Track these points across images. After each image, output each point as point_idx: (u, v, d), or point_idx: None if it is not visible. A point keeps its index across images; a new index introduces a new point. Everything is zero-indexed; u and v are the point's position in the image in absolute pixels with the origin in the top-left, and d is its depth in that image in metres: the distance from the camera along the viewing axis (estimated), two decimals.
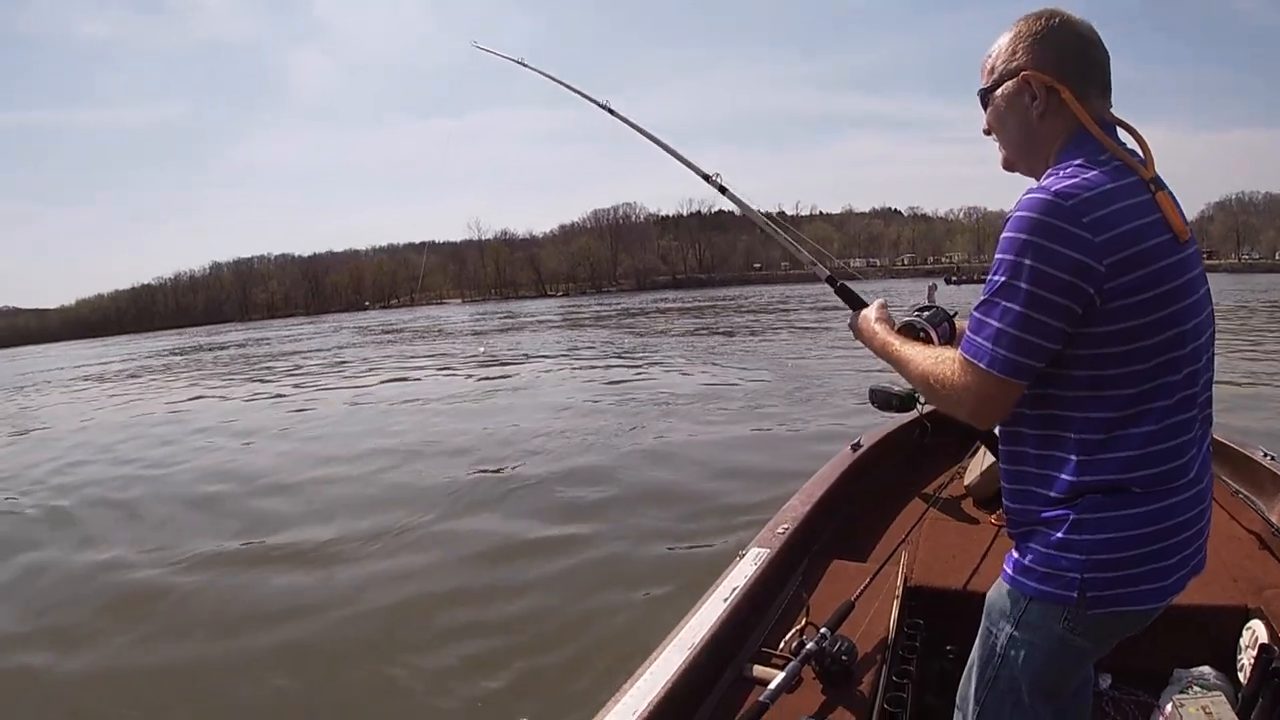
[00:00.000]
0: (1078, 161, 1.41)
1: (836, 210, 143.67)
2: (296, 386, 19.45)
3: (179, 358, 35.05)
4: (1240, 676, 2.44)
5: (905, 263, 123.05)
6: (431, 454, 9.66)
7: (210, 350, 39.64)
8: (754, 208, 2.57)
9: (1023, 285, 1.35)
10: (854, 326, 1.90)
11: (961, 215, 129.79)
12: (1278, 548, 2.89)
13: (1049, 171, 1.44)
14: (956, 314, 1.81)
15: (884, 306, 1.87)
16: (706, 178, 2.71)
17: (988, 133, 1.62)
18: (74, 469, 10.55)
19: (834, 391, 12.13)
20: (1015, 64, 1.50)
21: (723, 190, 2.70)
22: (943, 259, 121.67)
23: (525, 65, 3.25)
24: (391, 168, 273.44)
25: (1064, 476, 1.45)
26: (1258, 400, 10.51)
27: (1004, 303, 1.38)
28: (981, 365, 1.41)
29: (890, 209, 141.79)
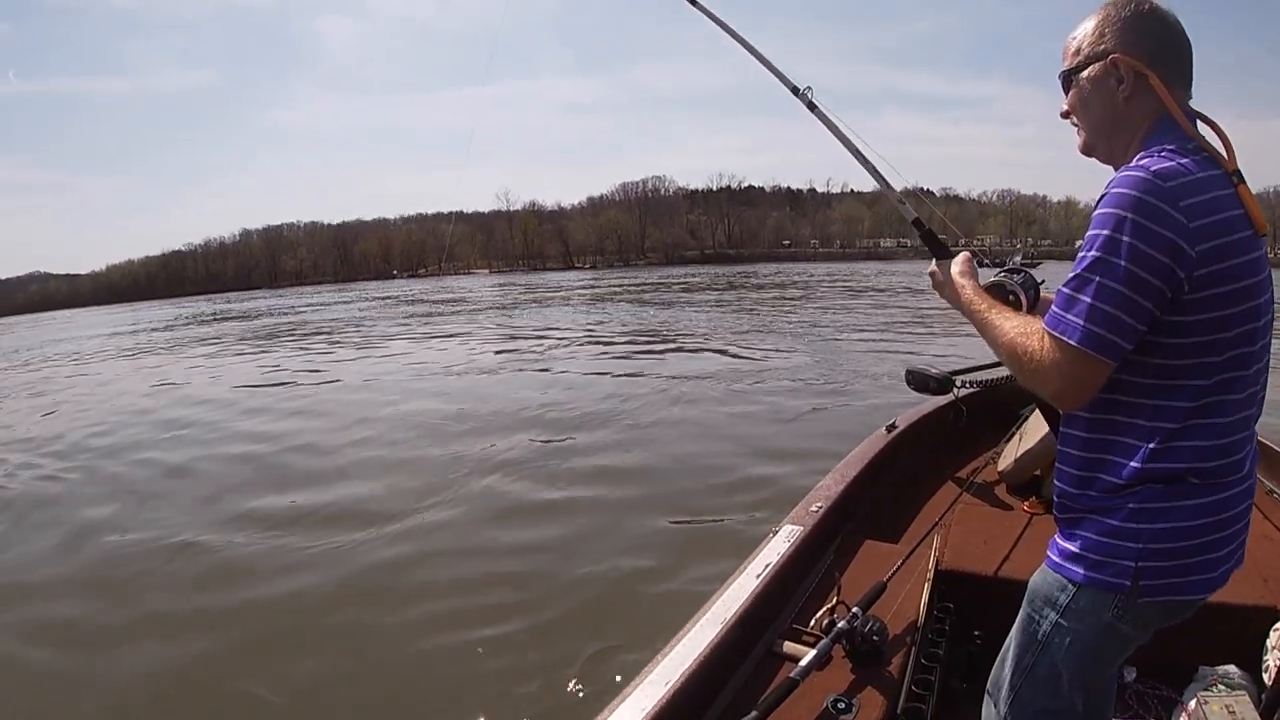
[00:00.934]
0: (1170, 148, 1.39)
1: (868, 189, 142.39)
2: (356, 347, 19.76)
3: (204, 327, 35.09)
4: (1265, 677, 2.43)
5: None
6: (467, 424, 9.74)
7: (241, 319, 39.74)
8: (843, 128, 2.36)
9: (1120, 262, 1.33)
10: (935, 275, 1.82)
11: (995, 197, 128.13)
12: None
13: (1140, 154, 1.41)
14: (1044, 283, 1.75)
15: (970, 259, 1.78)
16: (795, 90, 2.50)
17: (1066, 115, 1.60)
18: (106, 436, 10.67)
19: (867, 373, 12.09)
20: (1103, 47, 1.48)
21: (812, 106, 2.49)
22: (975, 241, 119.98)
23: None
24: (423, 135, 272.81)
25: (1132, 464, 1.44)
26: None
27: (1099, 278, 1.35)
28: (1071, 342, 1.37)
29: (924, 189, 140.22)
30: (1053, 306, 1.42)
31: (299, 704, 3.93)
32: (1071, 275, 1.38)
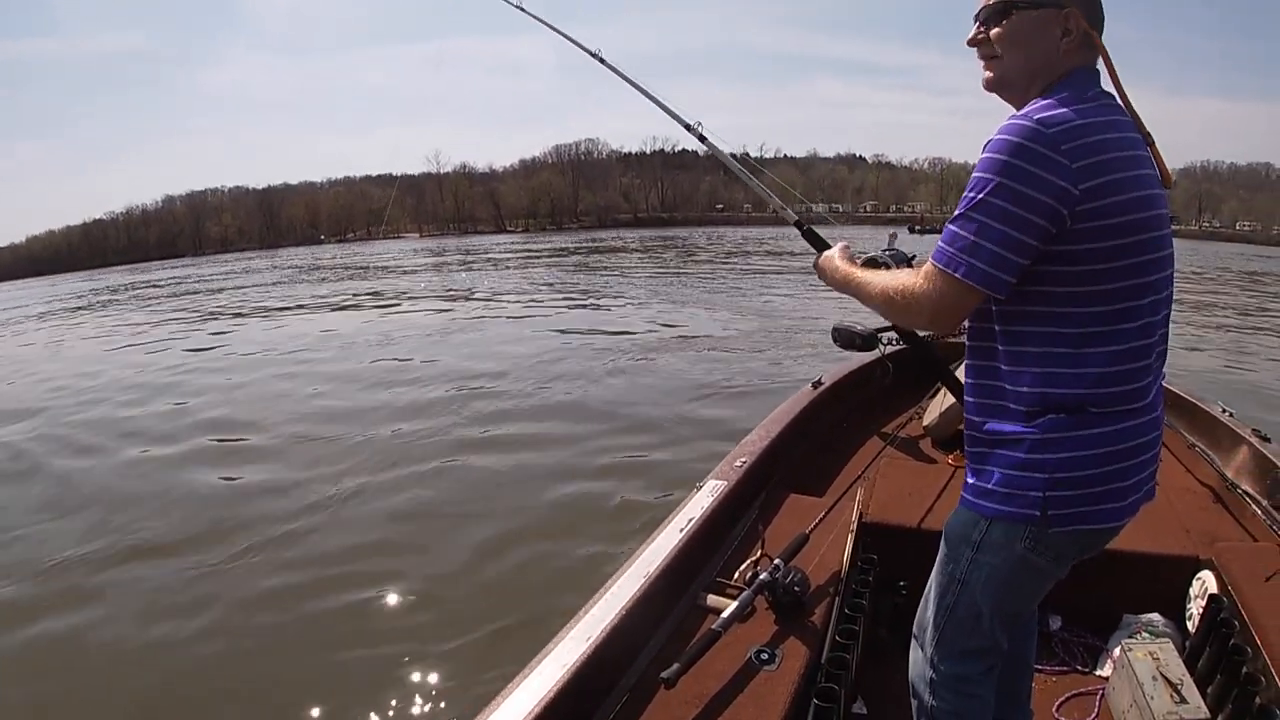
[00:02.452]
0: (1064, 94, 1.45)
1: (801, 154, 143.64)
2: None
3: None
4: (1189, 625, 2.50)
5: (868, 210, 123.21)
6: (395, 384, 9.70)
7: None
8: (731, 157, 2.71)
9: (997, 202, 1.40)
10: (818, 266, 1.95)
11: (926, 165, 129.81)
12: (1231, 502, 2.95)
13: (1033, 102, 1.46)
14: (915, 257, 1.87)
15: (847, 248, 1.93)
16: (688, 127, 2.90)
17: (978, 43, 1.59)
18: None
19: (796, 332, 12.22)
20: None
21: (703, 139, 2.89)
22: (905, 208, 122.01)
23: (524, 10, 3.33)
24: (350, 97, 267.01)
25: (1029, 392, 1.50)
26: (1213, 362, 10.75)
27: (979, 217, 1.42)
28: (954, 274, 1.46)
29: (855, 155, 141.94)
30: (938, 242, 1.50)
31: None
32: (956, 214, 1.47)
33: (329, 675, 3.76)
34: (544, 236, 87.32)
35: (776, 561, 2.27)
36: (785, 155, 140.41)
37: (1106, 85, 1.53)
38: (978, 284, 1.44)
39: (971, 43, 1.60)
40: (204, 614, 4.31)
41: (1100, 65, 1.54)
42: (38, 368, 13.23)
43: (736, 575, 2.33)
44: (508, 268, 33.69)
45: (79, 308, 27.60)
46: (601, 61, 3.11)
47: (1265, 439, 3.18)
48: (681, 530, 2.44)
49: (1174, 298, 1.57)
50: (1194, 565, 2.55)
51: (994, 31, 1.54)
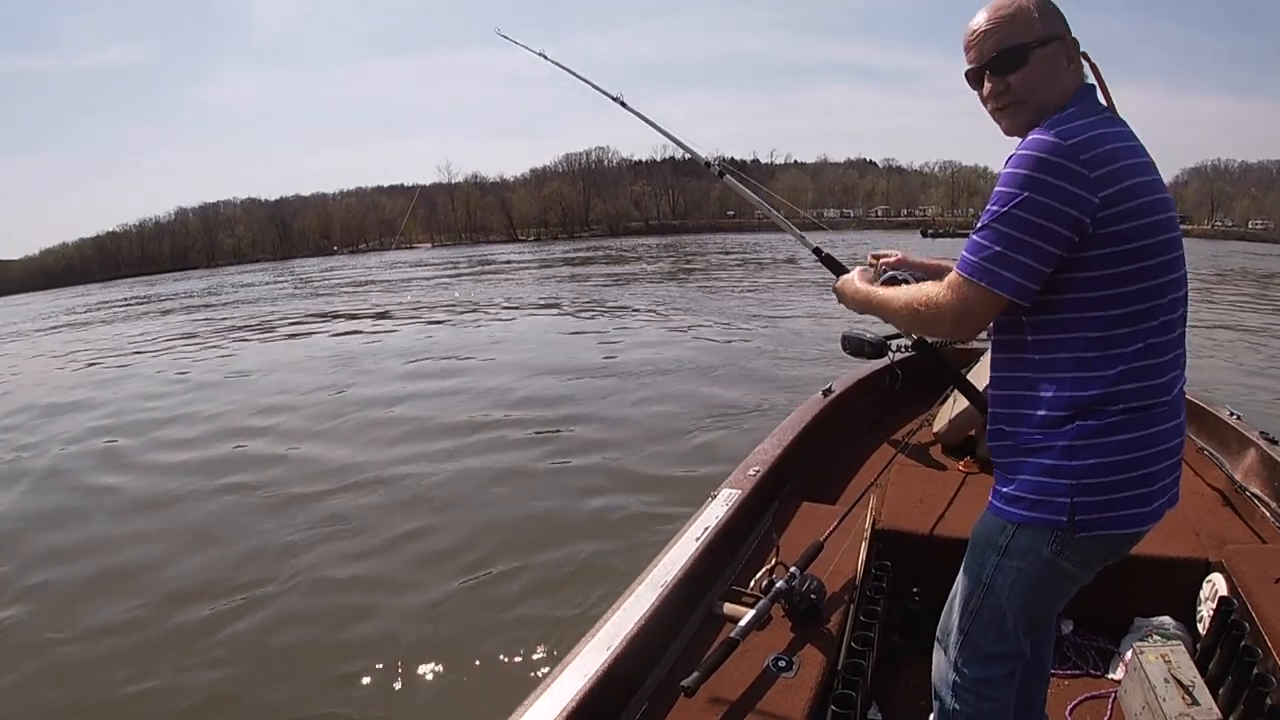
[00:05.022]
0: (1075, 109, 1.52)
1: (811, 160, 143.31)
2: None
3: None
4: (1199, 627, 2.51)
5: (879, 215, 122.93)
6: (412, 398, 9.71)
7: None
8: (754, 195, 2.82)
9: (1022, 214, 1.46)
10: (838, 290, 2.02)
11: (937, 168, 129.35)
12: (1240, 504, 2.96)
13: (1048, 120, 1.50)
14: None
15: (863, 270, 1.99)
16: (708, 165, 3.01)
17: (994, 94, 1.62)
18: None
19: (807, 340, 12.19)
20: (1054, 28, 1.57)
21: (722, 175, 2.99)
22: (917, 211, 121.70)
23: (545, 58, 3.41)
24: (361, 108, 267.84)
25: (1057, 398, 1.54)
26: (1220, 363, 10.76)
27: (1002, 227, 1.48)
28: (980, 283, 1.52)
29: (866, 160, 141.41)
30: (963, 252, 1.55)
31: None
32: (980, 225, 1.53)
33: (348, 683, 3.81)
34: (556, 245, 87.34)
35: (792, 569, 2.28)
36: (796, 161, 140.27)
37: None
38: (1006, 293, 1.50)
39: (988, 96, 1.63)
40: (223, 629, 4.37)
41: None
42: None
43: (752, 583, 2.35)
44: (521, 278, 33.61)
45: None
46: (624, 105, 3.20)
47: (1273, 441, 3.20)
48: (697, 539, 2.47)
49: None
50: (1204, 568, 2.57)
51: (1014, 77, 1.57)
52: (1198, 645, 2.47)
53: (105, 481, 7.20)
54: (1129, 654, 2.39)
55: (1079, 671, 2.58)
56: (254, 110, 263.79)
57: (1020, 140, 1.51)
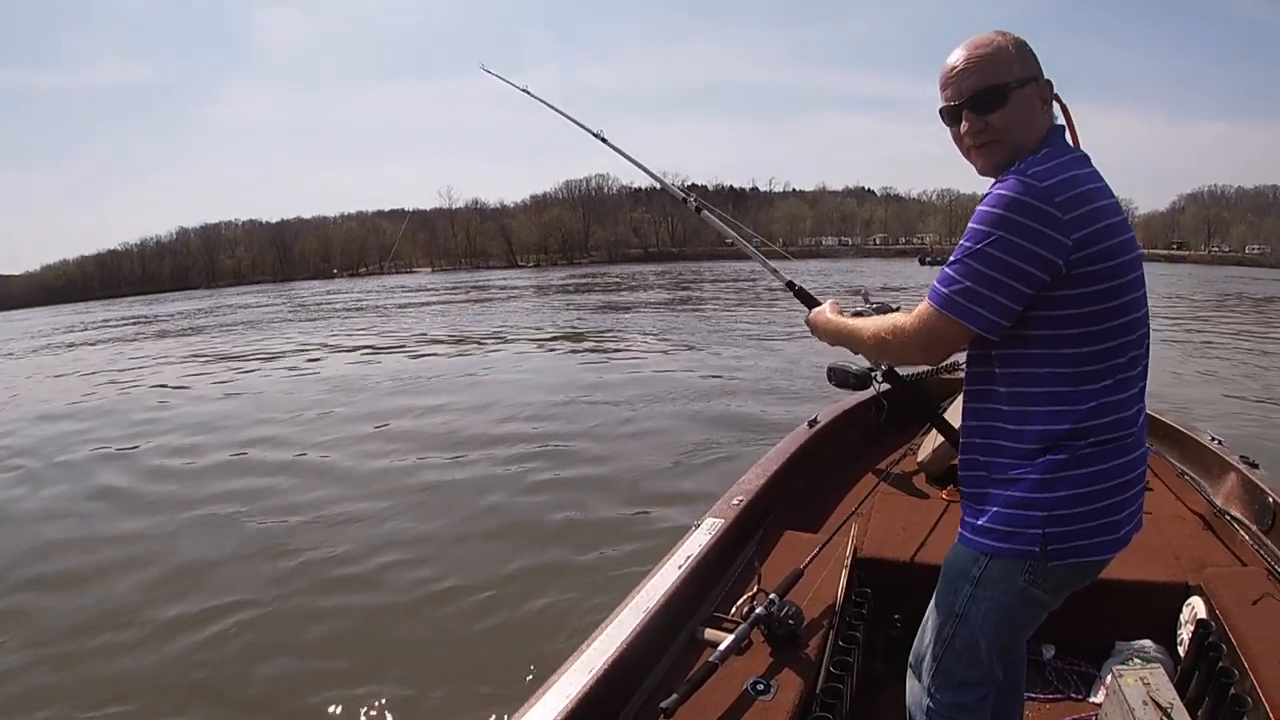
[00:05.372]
0: (1049, 150, 1.55)
1: (810, 188, 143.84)
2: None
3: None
4: (1180, 650, 2.53)
5: (877, 242, 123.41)
6: (404, 423, 9.73)
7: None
8: (732, 230, 2.96)
9: (995, 253, 1.49)
10: (810, 322, 2.09)
11: (934, 197, 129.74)
12: (1220, 528, 2.99)
13: (1024, 162, 1.53)
14: (900, 308, 1.93)
15: (834, 303, 2.07)
16: (684, 201, 3.10)
17: (971, 133, 1.63)
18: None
19: (797, 370, 12.20)
20: (1031, 70, 1.61)
21: (699, 210, 3.08)
22: (915, 239, 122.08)
23: (529, 93, 3.48)
24: (362, 131, 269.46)
25: (1032, 428, 1.57)
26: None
27: (975, 264, 1.51)
28: (947, 313, 1.56)
29: (864, 188, 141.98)
30: (934, 283, 1.59)
31: None
32: (952, 260, 1.56)
33: (325, 701, 3.84)
34: (555, 271, 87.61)
35: (772, 596, 2.32)
36: (795, 189, 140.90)
37: None
38: (974, 326, 1.55)
39: (966, 134, 1.64)
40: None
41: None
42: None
43: (734, 610, 2.38)
44: (516, 306, 33.52)
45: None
46: (604, 142, 3.27)
47: (1253, 465, 3.23)
48: (680, 567, 2.49)
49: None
50: (1184, 591, 2.59)
51: (994, 116, 1.59)
52: (1178, 668, 2.49)
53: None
54: (1109, 677, 2.40)
55: (1060, 695, 2.60)
56: (258, 131, 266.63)
57: (994, 180, 1.55)
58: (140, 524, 6.48)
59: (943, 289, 1.56)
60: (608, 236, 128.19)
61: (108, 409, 12.14)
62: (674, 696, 1.94)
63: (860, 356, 2.06)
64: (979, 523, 1.65)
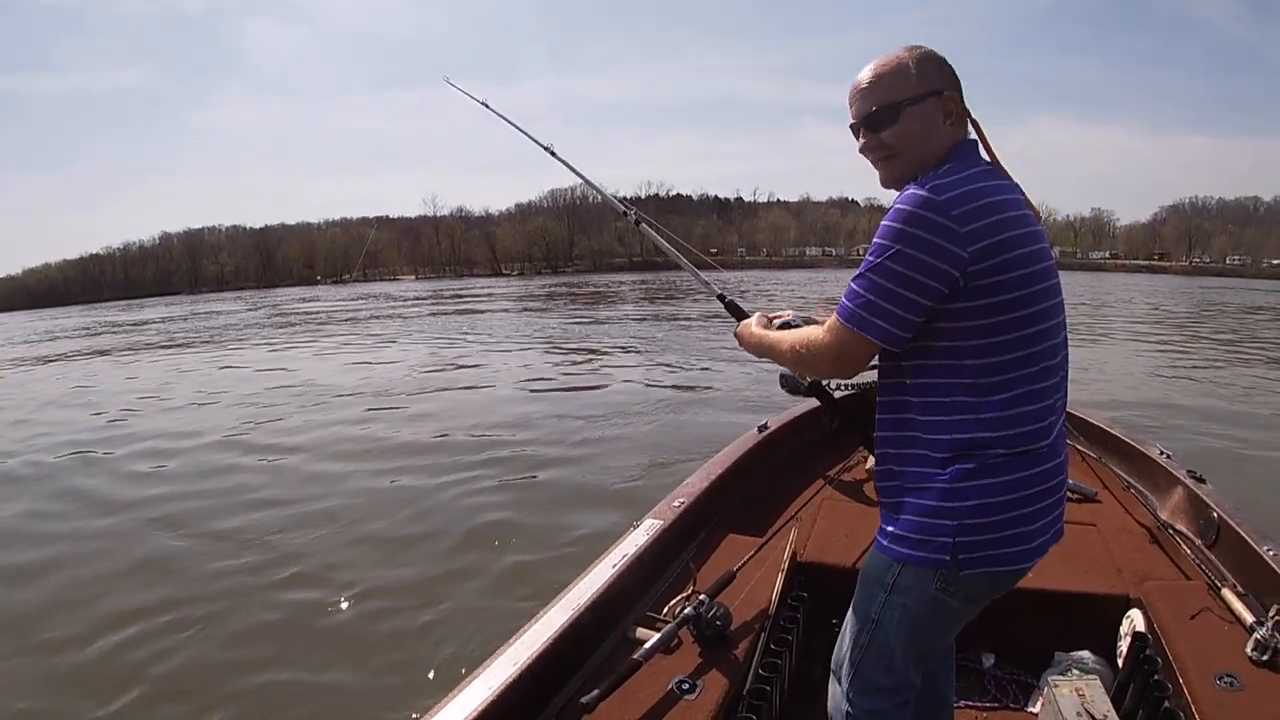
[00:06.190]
0: (952, 165, 1.57)
1: (794, 198, 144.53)
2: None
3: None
4: (1119, 662, 2.53)
5: (860, 253, 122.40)
6: (372, 428, 9.68)
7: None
8: (665, 242, 2.94)
9: (894, 266, 1.51)
10: (737, 334, 2.10)
11: None
12: (1165, 542, 2.99)
13: (924, 176, 1.55)
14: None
15: (764, 315, 2.08)
16: (624, 214, 3.16)
17: (869, 149, 1.69)
18: None
19: (761, 379, 12.14)
20: (931, 85, 1.62)
21: (638, 224, 3.14)
22: None
23: (488, 107, 3.56)
24: (348, 140, 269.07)
25: (943, 437, 1.58)
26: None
27: (875, 278, 1.54)
28: (852, 326, 1.58)
29: (848, 199, 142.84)
30: (842, 297, 1.61)
31: None
32: (857, 274, 1.59)
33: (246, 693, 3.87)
34: (537, 280, 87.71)
35: (702, 596, 2.32)
36: (779, 200, 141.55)
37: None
38: (875, 339, 1.56)
39: (864, 149, 1.69)
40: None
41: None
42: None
43: (666, 610, 2.38)
44: (494, 313, 33.39)
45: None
46: (553, 155, 3.32)
47: (1200, 480, 3.25)
48: (614, 566, 2.48)
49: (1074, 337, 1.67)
50: (1125, 604, 2.59)
51: (887, 133, 1.64)
52: (1116, 680, 2.47)
53: None
54: (1047, 687, 2.39)
55: (998, 705, 2.59)
56: (241, 139, 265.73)
57: (897, 193, 1.57)
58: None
59: (848, 303, 1.59)
60: (592, 246, 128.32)
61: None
62: (595, 692, 1.95)
63: None
64: (893, 530, 1.67)
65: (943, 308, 1.52)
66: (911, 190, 1.52)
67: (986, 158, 1.65)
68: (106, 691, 3.94)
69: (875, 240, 1.55)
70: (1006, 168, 1.65)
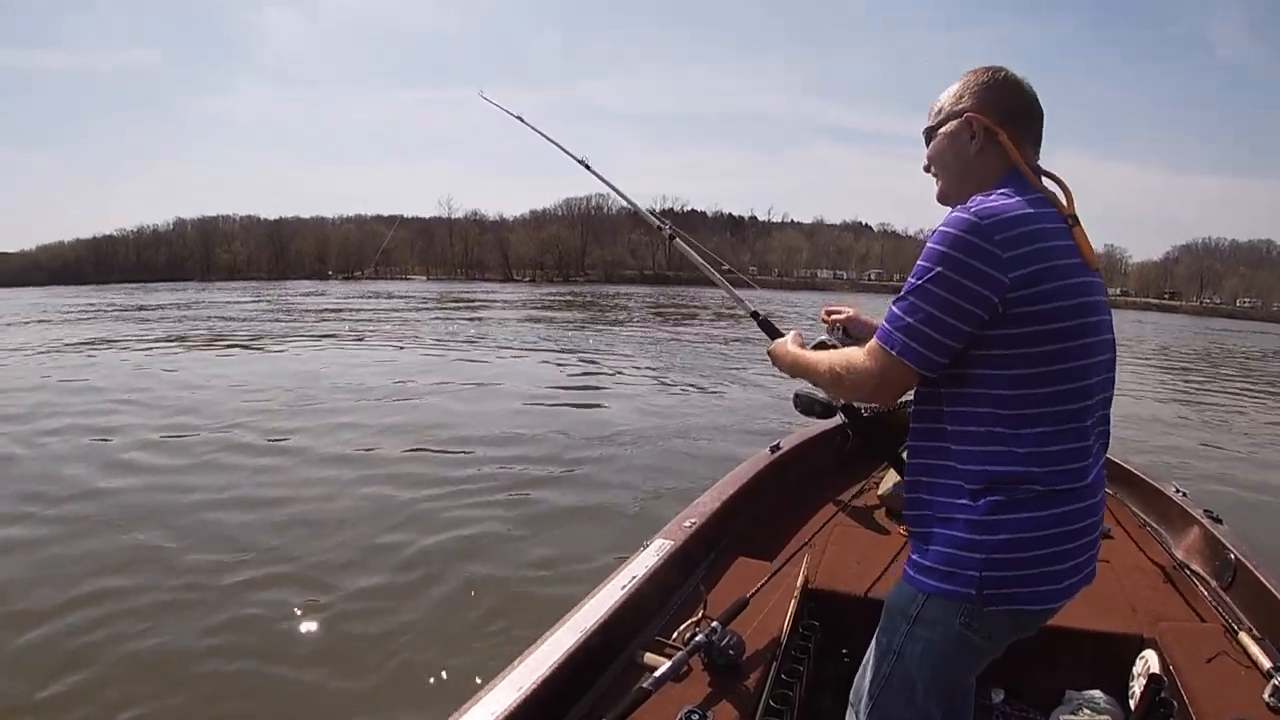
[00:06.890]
0: (1002, 190, 1.57)
1: (808, 220, 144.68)
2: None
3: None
4: (1131, 703, 2.48)
5: (872, 278, 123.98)
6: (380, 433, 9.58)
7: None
8: (701, 259, 2.98)
9: (935, 290, 1.50)
10: (771, 353, 2.09)
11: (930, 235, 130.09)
12: (1180, 581, 2.96)
13: (974, 200, 1.54)
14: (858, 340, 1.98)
15: (797, 334, 2.09)
16: (660, 227, 3.20)
17: (928, 168, 1.78)
18: None
19: (776, 400, 12.11)
20: (961, 106, 1.68)
21: (671, 239, 3.17)
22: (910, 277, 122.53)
23: (523, 121, 3.57)
24: (366, 134, 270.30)
25: (976, 468, 1.55)
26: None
27: (917, 301, 1.53)
28: (892, 351, 1.56)
29: (861, 223, 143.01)
30: (883, 321, 1.60)
31: None
32: (898, 297, 1.58)
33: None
34: (549, 287, 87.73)
35: (715, 624, 2.27)
36: (793, 220, 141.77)
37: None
38: (912, 363, 1.54)
39: (925, 169, 1.78)
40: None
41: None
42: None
43: (676, 635, 2.34)
44: (503, 318, 33.44)
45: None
46: (588, 169, 3.36)
47: (1217, 520, 3.22)
48: (623, 588, 2.44)
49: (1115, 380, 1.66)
50: (1139, 644, 2.55)
51: (929, 151, 1.75)
52: None
53: None
54: None
55: None
56: (260, 127, 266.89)
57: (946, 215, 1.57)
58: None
59: (889, 326, 1.58)
60: (605, 256, 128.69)
61: None
62: None
63: None
64: (922, 561, 1.63)
65: (983, 334, 1.51)
66: (956, 213, 1.52)
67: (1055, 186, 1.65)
68: (51, 673, 3.94)
69: (918, 263, 1.54)
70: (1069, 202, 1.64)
